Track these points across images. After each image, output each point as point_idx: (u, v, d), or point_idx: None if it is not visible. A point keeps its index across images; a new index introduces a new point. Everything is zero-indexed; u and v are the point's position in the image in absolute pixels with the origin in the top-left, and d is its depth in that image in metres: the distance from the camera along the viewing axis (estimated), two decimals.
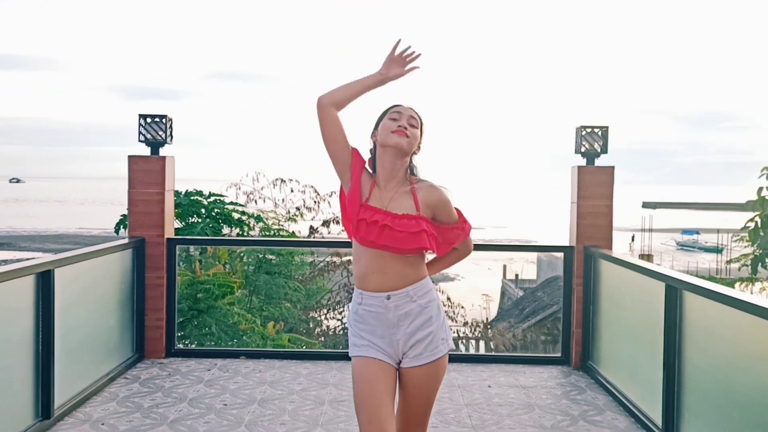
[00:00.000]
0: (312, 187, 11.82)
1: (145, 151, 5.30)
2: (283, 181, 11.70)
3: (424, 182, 2.54)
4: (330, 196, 11.84)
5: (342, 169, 2.51)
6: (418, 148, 2.56)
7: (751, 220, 8.80)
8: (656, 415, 3.85)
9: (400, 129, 2.45)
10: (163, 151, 5.31)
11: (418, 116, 2.55)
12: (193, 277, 6.47)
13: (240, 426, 3.93)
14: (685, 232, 67.29)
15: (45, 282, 3.81)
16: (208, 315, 6.33)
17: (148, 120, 5.25)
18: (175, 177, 5.49)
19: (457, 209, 2.59)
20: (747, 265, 12.18)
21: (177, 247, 5.47)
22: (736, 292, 3.26)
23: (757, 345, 2.97)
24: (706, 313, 3.45)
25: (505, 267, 30.51)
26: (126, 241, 5.14)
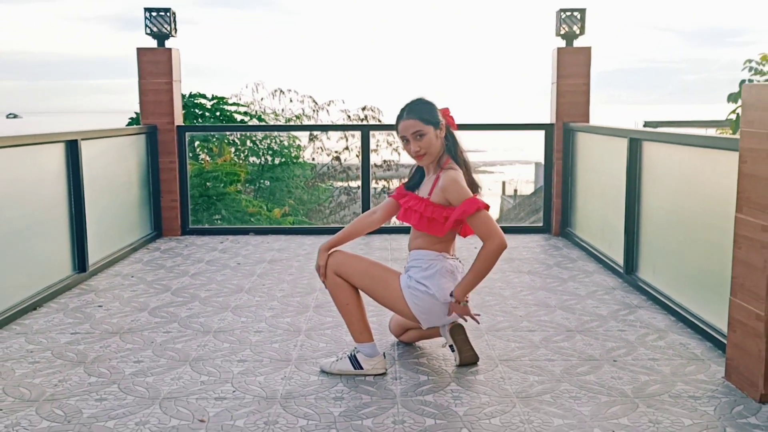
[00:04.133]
0: (311, 97, 12.14)
1: (152, 43, 5.65)
2: (282, 91, 12.01)
3: (447, 170, 2.70)
4: (328, 105, 12.17)
5: None
6: (443, 125, 2.73)
7: (733, 111, 9.08)
8: (619, 257, 4.37)
9: (417, 155, 2.71)
10: (168, 44, 5.67)
11: (419, 116, 2.68)
12: (201, 167, 6.92)
13: (253, 276, 4.46)
14: None
15: (72, 150, 4.26)
16: (218, 201, 6.81)
17: (154, 14, 5.58)
18: (181, 69, 5.85)
19: (476, 192, 2.72)
20: None
21: (186, 134, 5.89)
22: (686, 132, 3.69)
23: (701, 172, 3.43)
24: (661, 156, 3.90)
25: (504, 183, 31.00)
26: (140, 127, 5.57)
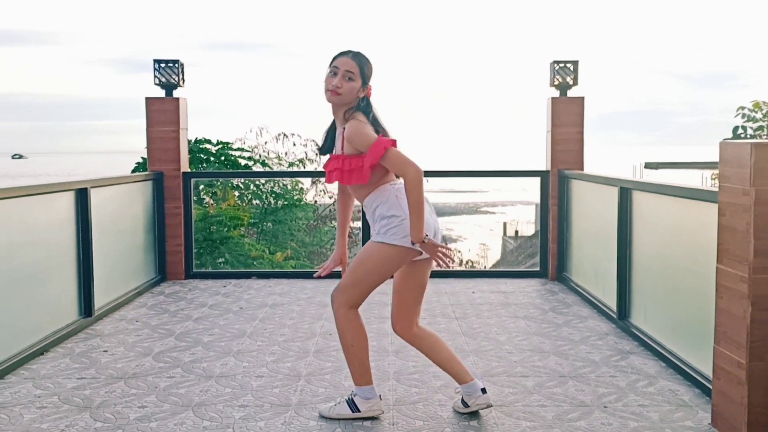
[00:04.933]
0: (314, 140, 12.35)
1: (160, 93, 5.86)
2: (285, 135, 12.25)
3: (350, 121, 2.79)
4: None
5: None
6: (367, 90, 2.84)
7: None
8: (612, 303, 4.46)
9: (333, 89, 2.76)
10: (176, 94, 5.87)
11: (359, 63, 2.80)
12: (206, 212, 7.07)
13: (255, 320, 4.56)
14: None
15: (82, 198, 4.41)
16: (221, 244, 6.95)
17: (162, 65, 5.80)
18: (188, 117, 6.05)
19: (383, 133, 2.79)
20: None
21: (192, 180, 6.06)
22: (673, 182, 3.82)
23: (686, 222, 3.56)
24: (651, 206, 4.03)
25: (505, 225, 31.15)
26: (147, 173, 5.73)
